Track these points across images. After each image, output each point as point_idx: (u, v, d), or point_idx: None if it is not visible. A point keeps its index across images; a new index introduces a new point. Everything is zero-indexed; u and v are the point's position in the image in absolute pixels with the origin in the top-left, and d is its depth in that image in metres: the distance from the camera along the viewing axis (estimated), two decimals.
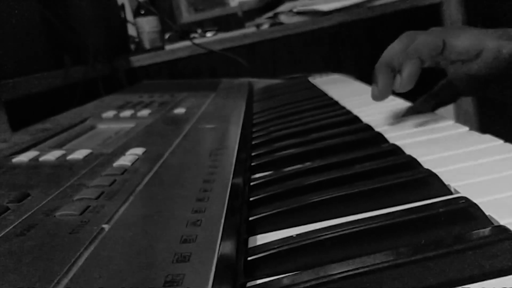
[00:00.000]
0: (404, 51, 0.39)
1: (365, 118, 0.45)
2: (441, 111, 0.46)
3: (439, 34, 0.38)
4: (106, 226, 0.23)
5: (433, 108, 0.45)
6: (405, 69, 0.37)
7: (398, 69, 0.39)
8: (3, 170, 0.34)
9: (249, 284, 0.21)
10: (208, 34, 1.41)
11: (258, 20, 1.29)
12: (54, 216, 0.24)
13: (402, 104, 0.48)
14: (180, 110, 0.54)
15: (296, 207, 0.26)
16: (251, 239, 0.25)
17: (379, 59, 0.40)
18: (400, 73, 0.37)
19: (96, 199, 0.26)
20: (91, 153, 0.37)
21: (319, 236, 0.22)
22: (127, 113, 0.54)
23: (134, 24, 1.24)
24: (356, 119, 0.45)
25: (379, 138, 0.38)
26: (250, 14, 1.37)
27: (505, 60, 0.36)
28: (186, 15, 1.68)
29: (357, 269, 0.19)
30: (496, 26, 0.38)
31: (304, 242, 0.22)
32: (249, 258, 0.22)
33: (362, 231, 0.22)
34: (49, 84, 0.80)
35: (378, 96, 0.40)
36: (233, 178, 0.30)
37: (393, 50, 0.40)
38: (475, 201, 0.23)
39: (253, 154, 0.40)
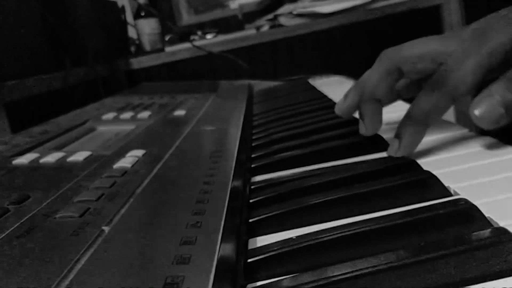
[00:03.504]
0: (387, 77, 0.36)
1: None
2: None
3: (390, 55, 0.34)
4: (106, 228, 0.23)
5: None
6: (365, 116, 0.35)
7: (384, 101, 0.37)
8: (3, 172, 0.34)
9: (249, 286, 0.21)
10: (208, 36, 1.42)
11: (258, 22, 1.29)
12: (54, 218, 0.24)
13: (401, 105, 0.48)
14: (180, 112, 0.54)
15: (296, 209, 0.26)
16: (251, 241, 0.25)
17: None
18: (399, 137, 0.32)
19: (96, 201, 0.26)
20: (91, 155, 0.37)
21: (319, 238, 0.22)
22: (127, 115, 0.54)
23: (134, 26, 1.24)
24: (356, 121, 0.45)
25: (378, 140, 0.38)
26: (250, 16, 1.37)
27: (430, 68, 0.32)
28: (186, 17, 1.68)
29: (357, 270, 0.19)
30: None
31: (304, 244, 0.22)
32: (249, 260, 0.22)
33: (362, 232, 0.22)
34: (49, 86, 0.80)
35: (366, 133, 0.37)
36: (233, 180, 0.30)
37: (371, 78, 0.36)
38: (475, 202, 0.23)
39: (253, 156, 0.40)
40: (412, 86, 0.40)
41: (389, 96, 0.40)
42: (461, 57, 0.30)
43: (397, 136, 0.32)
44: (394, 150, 0.32)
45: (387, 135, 0.38)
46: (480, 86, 0.30)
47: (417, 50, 0.35)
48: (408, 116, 0.32)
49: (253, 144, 0.44)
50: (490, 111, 0.27)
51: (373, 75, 0.36)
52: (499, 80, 0.28)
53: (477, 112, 0.28)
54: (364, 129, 0.36)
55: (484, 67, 0.29)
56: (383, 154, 0.34)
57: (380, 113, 0.37)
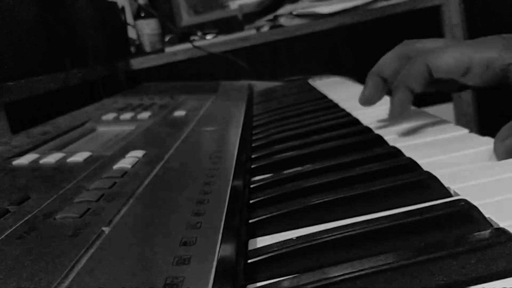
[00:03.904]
0: (396, 60, 0.41)
1: (365, 121, 0.45)
2: (441, 112, 0.46)
3: (421, 59, 0.37)
4: (106, 229, 0.23)
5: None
6: (394, 97, 0.38)
7: (390, 80, 0.41)
8: (3, 173, 0.34)
9: (249, 286, 0.21)
10: (208, 37, 1.42)
11: (258, 23, 1.29)
12: (54, 218, 0.24)
13: None
14: (180, 113, 0.54)
15: (296, 210, 0.26)
16: (251, 241, 0.25)
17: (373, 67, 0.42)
18: (391, 101, 0.38)
19: (96, 202, 0.26)
20: (91, 156, 0.37)
21: (319, 239, 0.22)
22: (127, 115, 0.54)
23: (134, 26, 1.24)
24: (356, 122, 0.45)
25: (379, 140, 0.38)
26: (250, 17, 1.37)
27: (497, 74, 0.34)
28: (186, 18, 1.68)
29: (357, 271, 0.19)
30: (496, 27, 0.38)
31: (304, 245, 0.22)
32: (249, 261, 0.22)
33: (362, 233, 0.22)
34: (49, 86, 0.80)
35: (364, 102, 0.42)
36: (233, 180, 0.30)
37: (385, 59, 0.42)
38: (474, 203, 0.23)
39: (253, 156, 0.40)
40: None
41: (394, 78, 0.42)
42: (450, 45, 0.37)
43: (391, 101, 0.39)
44: (361, 100, 0.41)
45: (388, 137, 0.38)
46: (456, 77, 0.36)
47: (427, 45, 0.40)
48: (397, 81, 0.38)
49: (253, 145, 0.44)
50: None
51: (386, 56, 0.42)
52: None
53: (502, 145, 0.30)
54: (363, 97, 0.42)
55: (463, 65, 0.35)
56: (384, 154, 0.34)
57: (381, 89, 0.42)
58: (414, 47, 0.41)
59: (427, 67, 0.36)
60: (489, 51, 0.34)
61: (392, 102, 0.38)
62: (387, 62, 0.42)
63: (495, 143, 0.30)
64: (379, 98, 0.43)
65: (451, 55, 0.36)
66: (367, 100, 0.42)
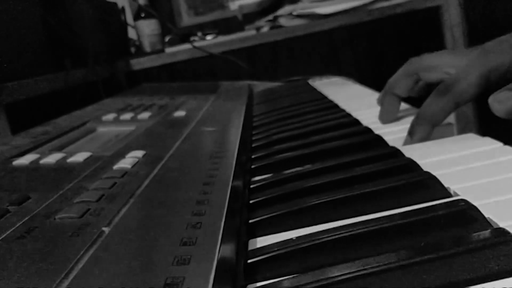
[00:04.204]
0: (407, 78, 0.44)
1: (365, 121, 0.45)
2: None
3: (449, 99, 0.37)
4: (106, 229, 0.23)
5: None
6: (382, 105, 0.43)
7: (403, 97, 0.44)
8: (4, 173, 0.34)
9: (249, 286, 0.21)
10: (208, 37, 1.42)
11: (258, 23, 1.29)
12: (54, 218, 0.24)
13: (402, 107, 0.48)
14: (180, 113, 0.54)
15: (296, 210, 0.26)
16: (251, 241, 0.25)
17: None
18: (410, 134, 0.39)
19: (96, 202, 0.26)
20: (91, 156, 0.37)
21: (319, 239, 0.22)
22: (127, 116, 0.54)
23: (134, 27, 1.24)
24: (356, 122, 0.45)
25: (379, 141, 0.38)
26: (250, 17, 1.37)
27: (492, 82, 0.35)
28: (186, 18, 1.68)
29: (357, 271, 0.19)
30: (496, 28, 0.38)
31: (304, 245, 0.22)
32: (249, 261, 0.22)
33: (362, 233, 0.22)
34: (50, 87, 0.80)
35: (383, 121, 0.45)
36: (233, 180, 0.30)
37: (395, 79, 0.45)
38: (474, 203, 0.23)
39: (253, 156, 0.40)
40: (426, 87, 0.47)
41: (407, 94, 0.46)
42: (467, 70, 0.36)
43: (410, 133, 0.38)
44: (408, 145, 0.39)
45: (388, 137, 0.38)
46: (480, 96, 0.36)
47: (433, 61, 0.43)
48: (418, 116, 0.38)
49: (253, 145, 0.44)
50: (507, 101, 0.32)
51: (396, 75, 0.45)
52: None
53: (495, 101, 0.32)
54: (380, 116, 0.45)
55: (485, 81, 0.35)
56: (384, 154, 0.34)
57: (395, 105, 0.45)
58: (424, 65, 0.44)
59: (454, 103, 0.36)
60: (499, 57, 0.35)
61: (412, 138, 0.38)
62: (397, 80, 0.45)
63: (492, 102, 0.32)
64: (395, 114, 0.46)
65: (472, 84, 0.35)
66: (384, 119, 0.45)
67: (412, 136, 0.38)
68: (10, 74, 0.71)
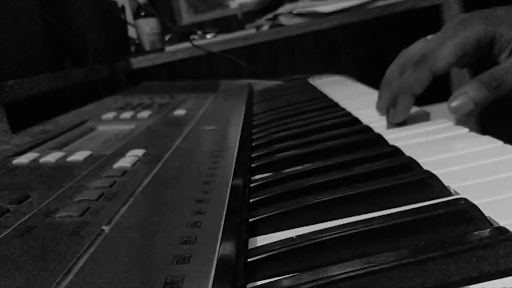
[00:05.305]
0: (401, 70, 0.43)
1: (365, 120, 0.45)
2: (441, 112, 0.46)
3: (423, 67, 0.39)
4: (106, 228, 0.23)
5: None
6: (398, 104, 0.40)
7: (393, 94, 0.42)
8: (3, 172, 0.34)
9: (249, 285, 0.21)
10: (208, 36, 1.42)
11: (258, 22, 1.29)
12: (54, 217, 0.24)
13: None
14: (180, 112, 0.54)
15: (296, 209, 0.26)
16: (251, 240, 0.25)
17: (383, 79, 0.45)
18: (393, 106, 0.40)
19: (96, 201, 0.26)
20: (91, 155, 0.37)
21: (319, 238, 0.22)
22: (127, 114, 0.54)
23: (134, 25, 1.24)
24: (356, 121, 0.45)
25: (379, 139, 0.38)
26: (250, 16, 1.37)
27: (484, 47, 0.37)
28: (186, 17, 1.68)
29: (357, 270, 0.19)
30: None
31: (304, 244, 0.22)
32: (249, 260, 0.22)
33: (362, 232, 0.22)
34: (49, 85, 0.80)
35: (380, 112, 0.45)
36: (233, 179, 0.30)
37: (390, 72, 0.45)
38: (475, 202, 0.23)
39: (253, 155, 0.40)
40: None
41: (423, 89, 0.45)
42: (442, 38, 0.38)
43: (393, 105, 0.40)
44: (391, 117, 0.41)
45: (388, 136, 0.38)
46: (455, 65, 0.38)
47: (423, 47, 0.41)
48: (399, 88, 0.40)
49: (253, 144, 0.44)
50: (463, 105, 0.35)
51: (390, 68, 0.45)
52: (472, 80, 0.35)
53: (453, 104, 0.35)
54: (391, 118, 0.42)
55: (460, 49, 0.37)
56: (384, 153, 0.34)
57: (410, 105, 0.42)
58: (412, 53, 0.43)
59: (431, 72, 0.38)
60: (473, 28, 0.37)
61: (395, 109, 0.40)
62: (392, 73, 0.45)
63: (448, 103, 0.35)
64: (408, 113, 0.45)
65: (448, 51, 0.37)
66: (397, 119, 0.44)
67: (395, 107, 0.40)
68: (10, 73, 0.71)
